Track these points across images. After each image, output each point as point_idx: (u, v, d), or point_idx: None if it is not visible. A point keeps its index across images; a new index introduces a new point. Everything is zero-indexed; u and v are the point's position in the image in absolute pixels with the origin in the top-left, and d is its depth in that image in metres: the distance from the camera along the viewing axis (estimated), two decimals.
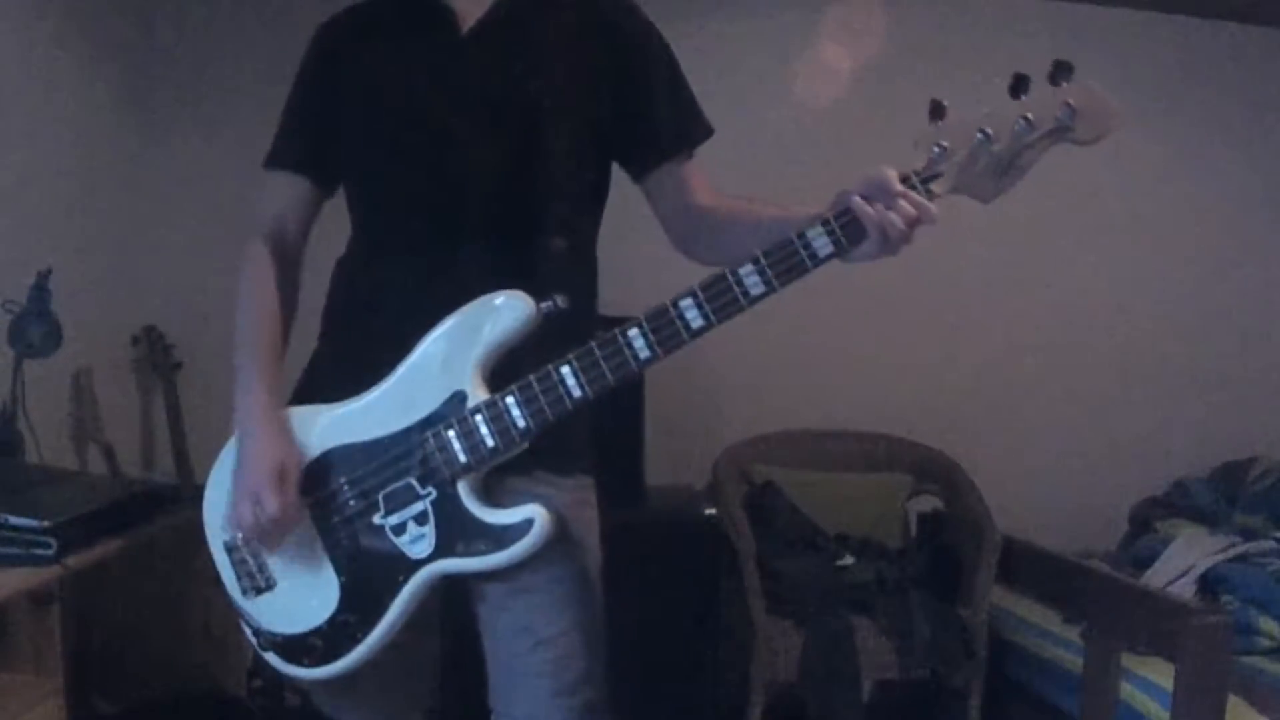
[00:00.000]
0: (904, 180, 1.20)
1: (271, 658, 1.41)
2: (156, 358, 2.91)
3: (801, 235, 1.21)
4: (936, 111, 1.21)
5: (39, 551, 1.76)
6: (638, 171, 1.47)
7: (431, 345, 1.33)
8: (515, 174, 1.36)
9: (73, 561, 1.80)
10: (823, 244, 1.21)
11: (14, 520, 1.77)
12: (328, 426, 1.37)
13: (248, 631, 1.44)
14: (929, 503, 3.12)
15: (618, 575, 1.45)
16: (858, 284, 3.22)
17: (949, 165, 1.21)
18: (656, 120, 1.44)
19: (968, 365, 3.43)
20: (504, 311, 1.30)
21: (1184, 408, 3.53)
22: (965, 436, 3.22)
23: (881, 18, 3.20)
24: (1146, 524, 3.21)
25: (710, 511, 2.82)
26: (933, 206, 1.20)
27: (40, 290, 2.26)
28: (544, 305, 1.29)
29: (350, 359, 1.41)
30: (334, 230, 1.52)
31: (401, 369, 1.34)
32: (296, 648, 1.39)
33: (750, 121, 3.18)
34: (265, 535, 1.34)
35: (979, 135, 1.19)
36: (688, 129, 1.46)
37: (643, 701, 1.54)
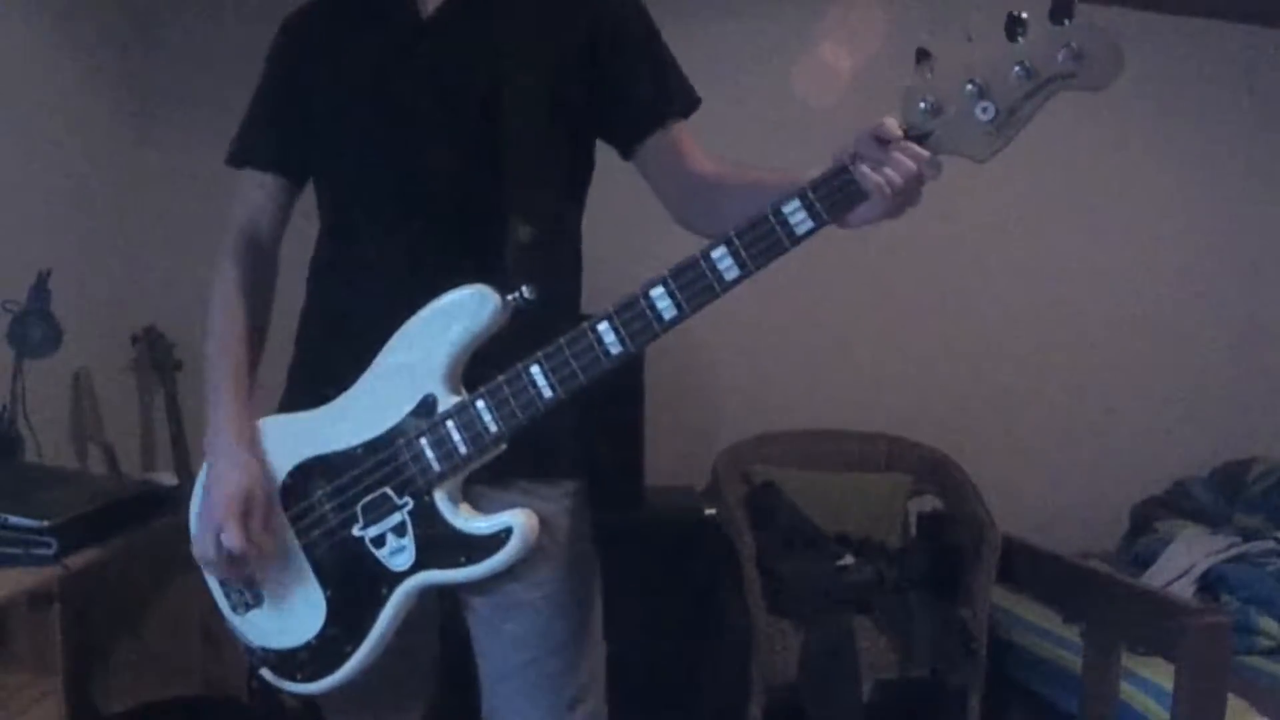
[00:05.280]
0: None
1: (266, 674, 1.39)
2: (157, 358, 2.91)
3: (777, 212, 1.11)
4: (923, 60, 1.08)
5: (39, 551, 1.76)
6: (622, 149, 1.40)
7: (398, 347, 1.27)
8: (481, 160, 1.29)
9: (73, 561, 1.79)
10: (801, 219, 1.11)
11: (14, 520, 1.76)
12: (303, 435, 1.32)
13: (243, 649, 1.41)
14: (929, 503, 3.12)
15: (618, 576, 1.44)
16: (858, 283, 3.25)
17: (938, 122, 1.08)
18: (635, 96, 1.36)
19: (968, 365, 3.43)
20: (470, 307, 1.22)
21: (1184, 408, 3.54)
22: (965, 436, 3.22)
23: (881, 17, 3.19)
24: (1146, 524, 3.22)
25: (710, 511, 2.82)
26: (928, 156, 1.08)
27: (40, 290, 2.26)
28: (511, 298, 1.21)
29: (324, 363, 1.37)
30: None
31: (369, 374, 1.29)
32: (289, 663, 1.36)
33: (749, 121, 3.19)
34: (229, 569, 1.30)
35: (970, 87, 1.06)
36: (668, 101, 1.38)
37: (642, 702, 1.53)
